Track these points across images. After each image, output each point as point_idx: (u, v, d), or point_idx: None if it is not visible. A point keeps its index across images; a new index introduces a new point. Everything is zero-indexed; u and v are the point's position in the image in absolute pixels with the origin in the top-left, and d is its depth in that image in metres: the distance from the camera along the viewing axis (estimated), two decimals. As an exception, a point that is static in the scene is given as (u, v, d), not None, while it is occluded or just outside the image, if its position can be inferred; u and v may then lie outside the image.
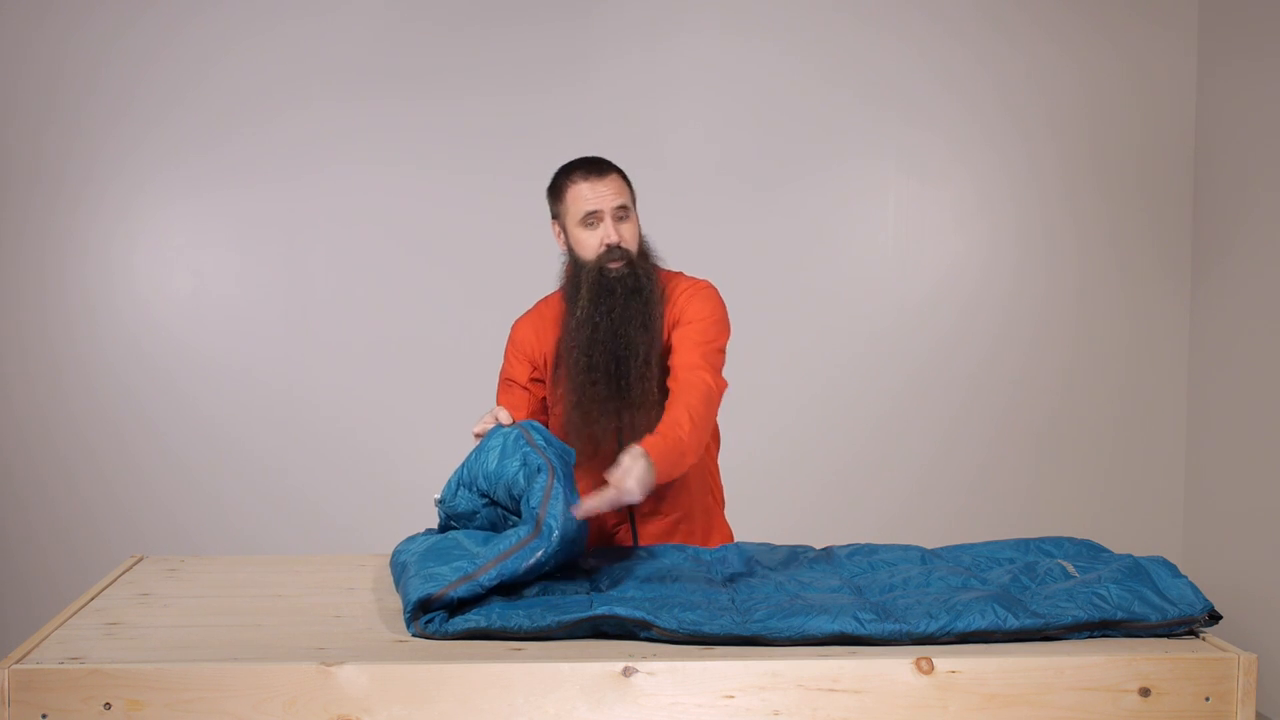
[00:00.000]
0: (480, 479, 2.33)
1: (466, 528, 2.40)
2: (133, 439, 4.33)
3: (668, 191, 4.34)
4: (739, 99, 4.39)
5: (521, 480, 2.23)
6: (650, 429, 2.46)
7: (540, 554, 2.08)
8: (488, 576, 2.04)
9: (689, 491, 2.71)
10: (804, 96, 4.40)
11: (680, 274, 2.73)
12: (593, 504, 2.20)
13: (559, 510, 2.12)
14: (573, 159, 2.71)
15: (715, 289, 2.69)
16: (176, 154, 4.30)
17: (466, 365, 4.34)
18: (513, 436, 2.33)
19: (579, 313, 2.59)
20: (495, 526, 2.36)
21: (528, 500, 2.17)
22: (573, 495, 2.17)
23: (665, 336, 2.63)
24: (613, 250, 2.59)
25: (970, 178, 4.45)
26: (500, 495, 2.29)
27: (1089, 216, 4.46)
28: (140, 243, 4.33)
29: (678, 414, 2.41)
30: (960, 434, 4.47)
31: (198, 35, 4.28)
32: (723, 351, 2.63)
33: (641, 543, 2.69)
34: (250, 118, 4.30)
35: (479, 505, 2.36)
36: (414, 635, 2.02)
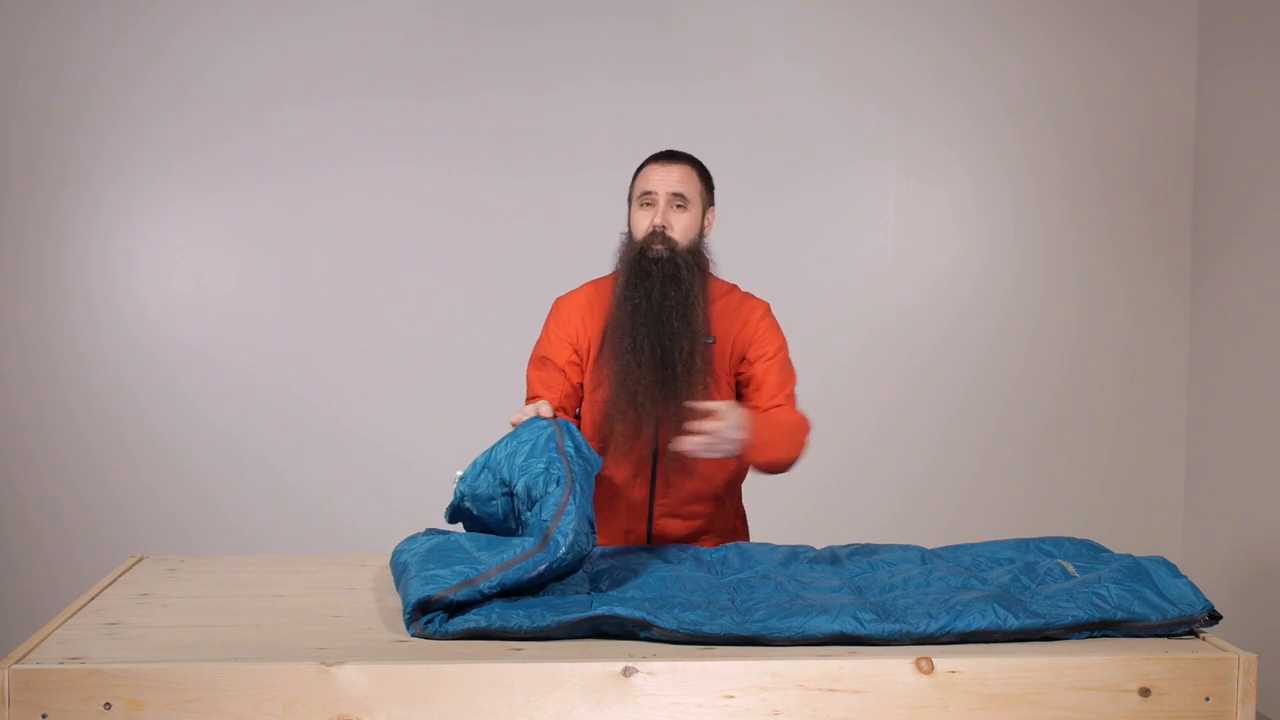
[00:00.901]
0: (504, 468, 2.31)
1: (482, 510, 2.38)
2: (133, 439, 4.32)
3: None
4: (739, 99, 4.39)
5: (541, 485, 2.22)
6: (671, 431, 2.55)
7: (544, 568, 2.08)
8: (488, 583, 2.04)
9: (713, 507, 2.72)
10: (804, 96, 4.40)
11: (736, 287, 2.75)
12: (689, 447, 2.32)
13: (569, 527, 2.11)
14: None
15: (771, 310, 2.79)
16: (176, 154, 4.30)
17: (466, 364, 4.34)
18: (546, 435, 2.30)
19: (618, 290, 2.62)
20: (507, 518, 2.34)
21: (540, 510, 2.16)
22: (586, 507, 2.17)
23: (735, 354, 2.67)
24: (657, 234, 2.60)
25: (970, 178, 4.45)
26: (519, 489, 2.27)
27: (1089, 216, 4.46)
28: (140, 243, 4.33)
29: (773, 420, 2.56)
30: (960, 434, 4.47)
31: (197, 35, 4.28)
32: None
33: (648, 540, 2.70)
34: (250, 118, 4.30)
35: (498, 492, 2.33)
36: (413, 635, 2.02)
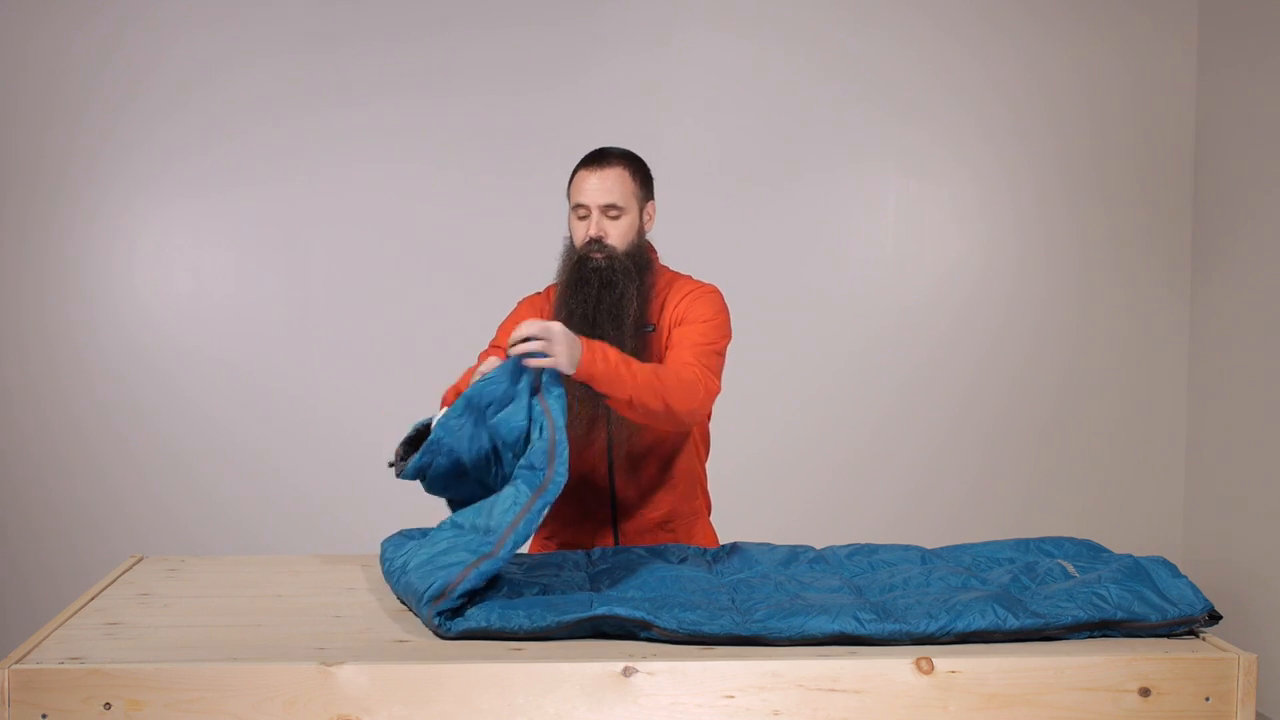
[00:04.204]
0: (491, 410, 2.27)
1: (459, 449, 2.34)
2: (133, 439, 4.32)
3: (668, 192, 4.34)
4: (739, 99, 4.39)
5: (523, 428, 2.23)
6: (632, 440, 2.59)
7: (546, 510, 2.12)
8: (505, 549, 2.06)
9: (675, 493, 2.72)
10: (804, 97, 4.40)
11: (687, 277, 2.75)
12: (516, 350, 2.24)
13: (562, 466, 2.14)
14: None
15: (720, 294, 2.71)
16: (176, 154, 4.30)
17: (466, 364, 4.33)
18: (524, 384, 2.26)
19: (558, 297, 2.66)
20: (488, 460, 2.32)
21: (529, 457, 2.17)
22: (566, 437, 2.20)
23: (665, 336, 2.65)
24: (593, 243, 2.63)
25: (970, 178, 4.45)
26: (502, 439, 2.26)
27: (1089, 216, 4.46)
28: (140, 243, 4.33)
29: (640, 363, 2.43)
30: (960, 434, 4.47)
31: (198, 36, 4.28)
32: (720, 355, 2.64)
33: (623, 542, 2.70)
34: (250, 118, 4.30)
35: (483, 440, 2.30)
36: (437, 624, 2.00)
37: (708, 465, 2.86)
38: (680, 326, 2.63)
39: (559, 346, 2.25)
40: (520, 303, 2.82)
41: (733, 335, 2.70)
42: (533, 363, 2.25)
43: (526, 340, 2.25)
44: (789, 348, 4.43)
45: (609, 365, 2.33)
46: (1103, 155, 4.45)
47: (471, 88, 4.34)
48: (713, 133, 4.39)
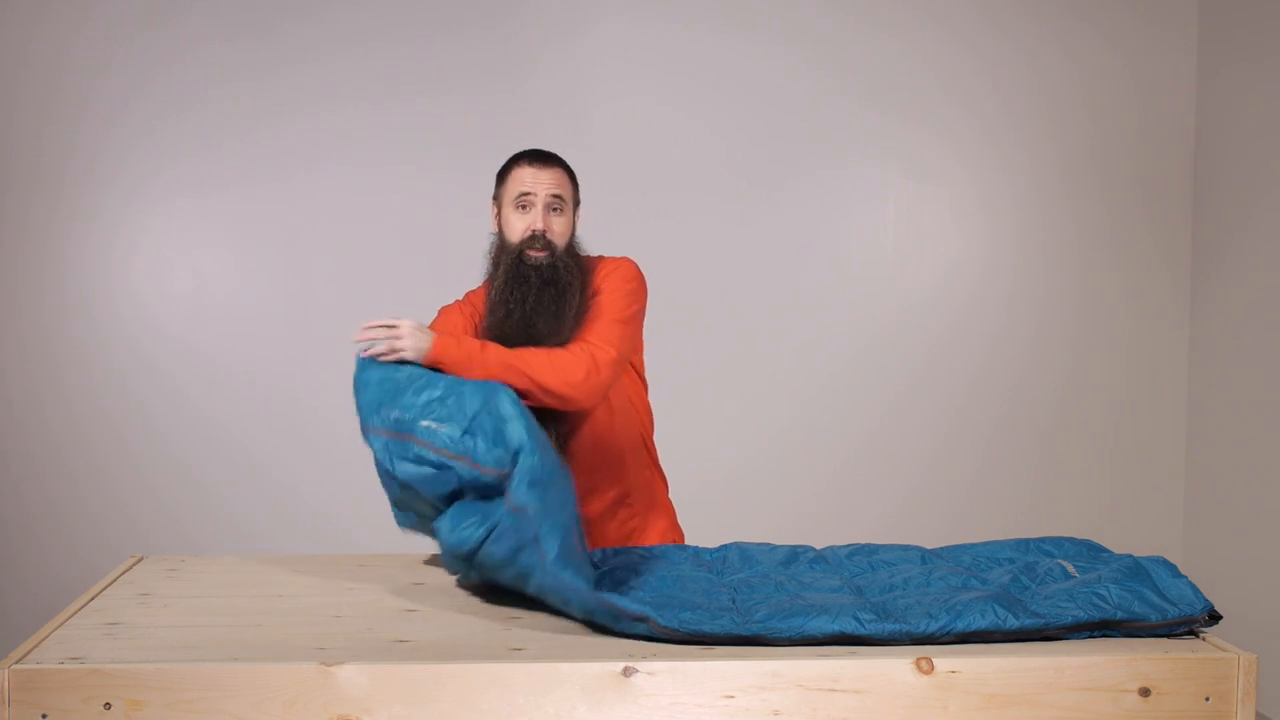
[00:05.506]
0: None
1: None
2: (133, 439, 4.32)
3: (667, 192, 4.34)
4: (739, 99, 4.39)
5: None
6: (557, 418, 2.57)
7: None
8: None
9: (625, 466, 2.72)
10: (804, 96, 4.40)
11: (601, 257, 2.73)
12: (364, 335, 2.48)
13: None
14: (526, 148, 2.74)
15: (632, 263, 2.69)
16: (176, 154, 4.30)
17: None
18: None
19: (493, 295, 2.64)
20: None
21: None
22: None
23: None
24: (536, 238, 2.62)
25: (970, 178, 4.45)
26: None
27: (1089, 216, 4.46)
28: (140, 243, 4.33)
29: (503, 347, 2.46)
30: (960, 434, 4.47)
31: (198, 37, 4.28)
32: (624, 322, 2.59)
33: (583, 522, 2.70)
34: (251, 118, 4.30)
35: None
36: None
37: (665, 444, 2.86)
38: (592, 300, 2.61)
39: (406, 340, 2.41)
40: (444, 310, 2.79)
41: (646, 299, 2.67)
42: (375, 351, 2.44)
43: (383, 345, 2.43)
44: (789, 348, 4.43)
45: (461, 350, 2.39)
46: (1103, 155, 4.45)
47: (473, 87, 4.33)
48: (714, 132, 4.38)
